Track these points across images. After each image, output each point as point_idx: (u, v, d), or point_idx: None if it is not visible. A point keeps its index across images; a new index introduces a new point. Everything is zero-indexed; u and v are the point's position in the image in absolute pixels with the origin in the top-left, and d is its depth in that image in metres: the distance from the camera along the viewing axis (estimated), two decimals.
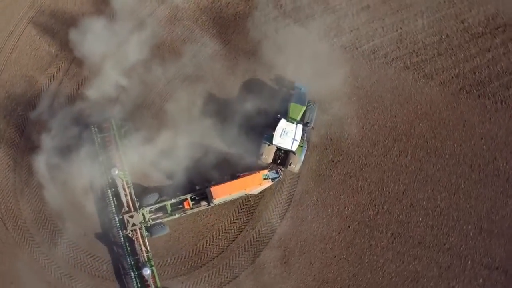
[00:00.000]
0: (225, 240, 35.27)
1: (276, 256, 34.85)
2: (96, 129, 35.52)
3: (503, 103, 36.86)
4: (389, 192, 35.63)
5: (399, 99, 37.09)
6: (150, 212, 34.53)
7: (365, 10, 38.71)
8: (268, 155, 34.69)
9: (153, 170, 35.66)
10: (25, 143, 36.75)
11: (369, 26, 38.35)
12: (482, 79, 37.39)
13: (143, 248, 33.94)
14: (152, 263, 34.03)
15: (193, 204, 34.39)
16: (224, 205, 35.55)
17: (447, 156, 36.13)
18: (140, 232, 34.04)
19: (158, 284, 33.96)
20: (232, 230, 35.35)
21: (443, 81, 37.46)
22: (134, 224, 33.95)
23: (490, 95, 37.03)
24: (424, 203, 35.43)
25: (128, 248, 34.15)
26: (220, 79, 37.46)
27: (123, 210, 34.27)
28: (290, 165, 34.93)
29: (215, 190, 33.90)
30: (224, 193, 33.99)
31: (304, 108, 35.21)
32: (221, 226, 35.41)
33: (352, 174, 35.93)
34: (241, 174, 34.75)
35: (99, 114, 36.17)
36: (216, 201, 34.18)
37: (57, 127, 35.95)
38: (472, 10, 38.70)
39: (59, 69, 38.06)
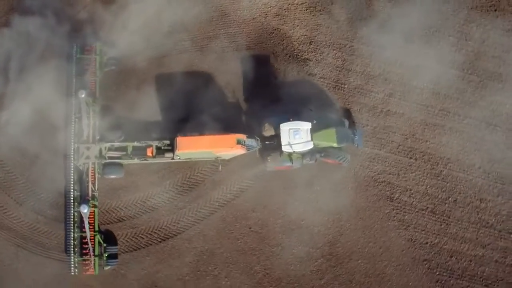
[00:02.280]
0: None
1: None
2: (78, 48, 32.98)
3: None
4: None
5: (357, 222, 31.95)
6: (110, 149, 31.72)
7: (393, 116, 33.50)
8: (268, 130, 31.81)
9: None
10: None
11: (387, 132, 33.38)
12: (455, 268, 31.72)
13: (90, 185, 31.18)
14: (96, 203, 31.26)
15: (156, 154, 31.39)
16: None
17: None
18: (93, 167, 31.43)
19: (96, 226, 31.01)
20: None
21: (414, 240, 31.92)
22: (88, 157, 31.35)
23: None
24: None
25: (74, 181, 31.31)
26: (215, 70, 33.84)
27: (81, 140, 31.68)
28: (267, 157, 31.51)
29: (181, 141, 30.53)
30: (190, 146, 30.55)
31: (335, 146, 31.34)
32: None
33: (257, 254, 31.20)
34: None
35: (93, 35, 33.22)
36: (181, 154, 30.86)
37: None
38: (500, 197, 32.70)
39: None
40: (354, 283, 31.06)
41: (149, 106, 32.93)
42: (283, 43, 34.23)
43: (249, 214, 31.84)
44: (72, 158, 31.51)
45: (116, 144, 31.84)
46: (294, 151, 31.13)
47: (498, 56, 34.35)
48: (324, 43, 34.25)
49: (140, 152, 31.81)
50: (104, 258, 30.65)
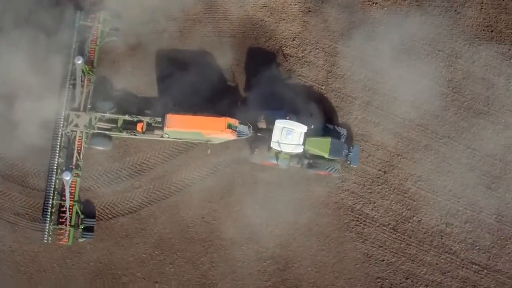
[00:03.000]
0: None
1: None
2: (81, 15, 32.67)
3: None
4: None
5: (313, 227, 30.72)
6: (100, 120, 31.38)
7: (368, 124, 32.08)
8: (262, 122, 30.91)
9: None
10: None
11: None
12: None
13: (76, 154, 30.90)
14: (80, 172, 30.89)
15: (146, 130, 30.96)
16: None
17: None
18: (80, 136, 31.18)
19: (76, 196, 30.69)
20: None
21: (370, 255, 30.54)
22: (77, 125, 31.14)
23: None
24: None
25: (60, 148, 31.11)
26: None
27: (72, 106, 31.49)
28: (254, 149, 30.62)
29: (170, 118, 30.10)
30: (179, 124, 30.04)
31: (326, 156, 30.20)
32: None
33: (205, 245, 30.26)
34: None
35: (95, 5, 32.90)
36: (169, 132, 30.27)
37: None
38: (468, 224, 31.00)
39: None
40: None
41: (126, 82, 32.33)
42: (266, 35, 33.24)
43: (204, 203, 30.89)
44: (61, 125, 31.13)
45: (107, 115, 31.40)
46: (281, 151, 30.15)
47: (488, 79, 32.77)
48: (307, 40, 33.11)
49: (130, 126, 31.34)
50: (80, 230, 30.25)
